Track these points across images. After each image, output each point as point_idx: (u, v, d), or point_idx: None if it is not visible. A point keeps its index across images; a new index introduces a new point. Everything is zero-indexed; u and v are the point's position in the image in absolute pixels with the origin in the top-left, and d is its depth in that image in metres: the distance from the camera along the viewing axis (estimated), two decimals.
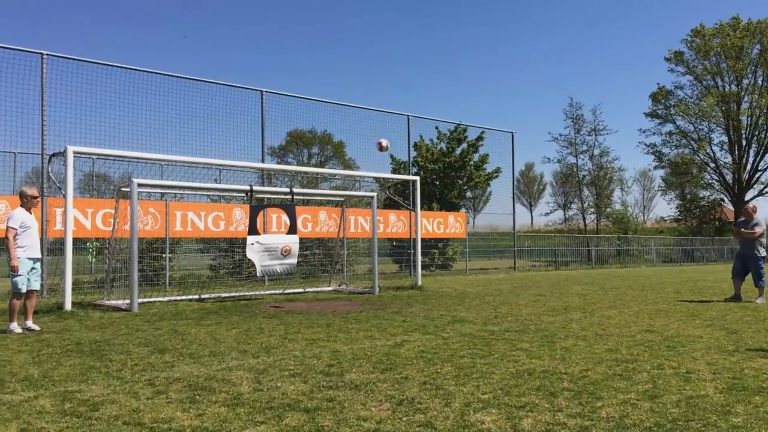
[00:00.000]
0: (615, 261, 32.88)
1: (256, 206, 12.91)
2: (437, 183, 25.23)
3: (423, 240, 20.90)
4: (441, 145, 25.75)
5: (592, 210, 41.92)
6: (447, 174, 25.00)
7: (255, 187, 12.82)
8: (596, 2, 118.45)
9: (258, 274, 12.50)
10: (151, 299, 11.67)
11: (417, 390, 4.67)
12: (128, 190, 10.67)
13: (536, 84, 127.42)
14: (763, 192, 45.01)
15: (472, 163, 25.48)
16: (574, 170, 41.84)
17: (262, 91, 17.33)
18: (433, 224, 21.43)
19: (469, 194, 35.79)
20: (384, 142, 10.68)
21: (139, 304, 10.47)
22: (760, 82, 43.46)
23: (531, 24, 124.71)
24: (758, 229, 11.58)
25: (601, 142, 45.83)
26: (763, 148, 44.26)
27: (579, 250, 32.34)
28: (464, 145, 25.59)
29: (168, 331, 7.84)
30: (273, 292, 13.62)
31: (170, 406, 4.28)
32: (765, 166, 44.65)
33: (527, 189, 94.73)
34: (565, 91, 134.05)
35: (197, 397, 4.52)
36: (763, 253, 11.62)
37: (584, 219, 41.39)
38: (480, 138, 25.50)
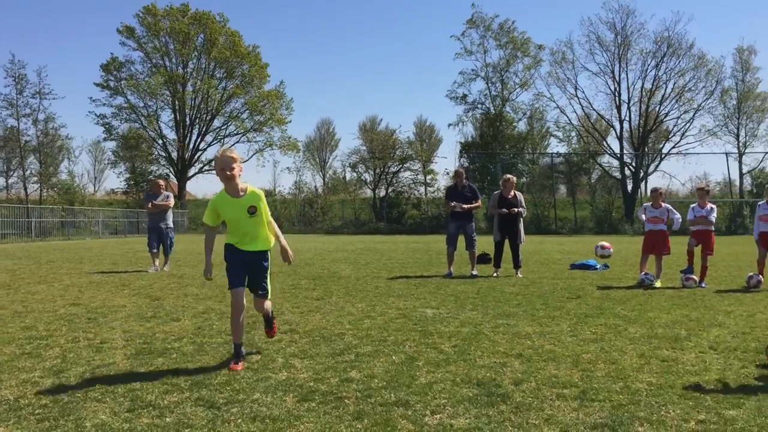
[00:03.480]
0: (59, 233, 31.42)
1: None
2: None
3: None
4: None
5: (36, 179, 39.16)
6: None
7: None
8: None
9: None
10: None
11: None
12: None
13: None
14: (203, 170, 49.75)
15: None
16: (16, 134, 38.20)
17: None
18: None
19: None
20: None
21: None
22: (203, 67, 47.68)
23: None
24: (170, 201, 12.72)
25: (47, 106, 43.14)
26: (204, 129, 48.86)
27: (18, 222, 29.66)
28: None
29: None
30: None
31: None
32: (205, 146, 49.45)
33: None
34: (7, 47, 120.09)
35: None
36: (171, 224, 12.75)
37: (26, 189, 38.28)
38: None
